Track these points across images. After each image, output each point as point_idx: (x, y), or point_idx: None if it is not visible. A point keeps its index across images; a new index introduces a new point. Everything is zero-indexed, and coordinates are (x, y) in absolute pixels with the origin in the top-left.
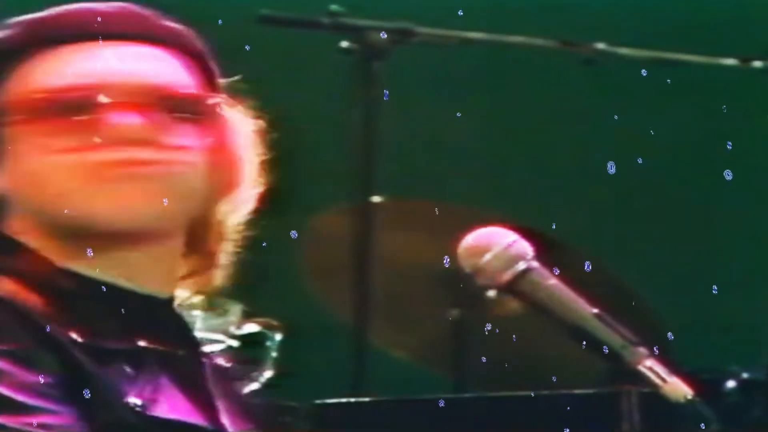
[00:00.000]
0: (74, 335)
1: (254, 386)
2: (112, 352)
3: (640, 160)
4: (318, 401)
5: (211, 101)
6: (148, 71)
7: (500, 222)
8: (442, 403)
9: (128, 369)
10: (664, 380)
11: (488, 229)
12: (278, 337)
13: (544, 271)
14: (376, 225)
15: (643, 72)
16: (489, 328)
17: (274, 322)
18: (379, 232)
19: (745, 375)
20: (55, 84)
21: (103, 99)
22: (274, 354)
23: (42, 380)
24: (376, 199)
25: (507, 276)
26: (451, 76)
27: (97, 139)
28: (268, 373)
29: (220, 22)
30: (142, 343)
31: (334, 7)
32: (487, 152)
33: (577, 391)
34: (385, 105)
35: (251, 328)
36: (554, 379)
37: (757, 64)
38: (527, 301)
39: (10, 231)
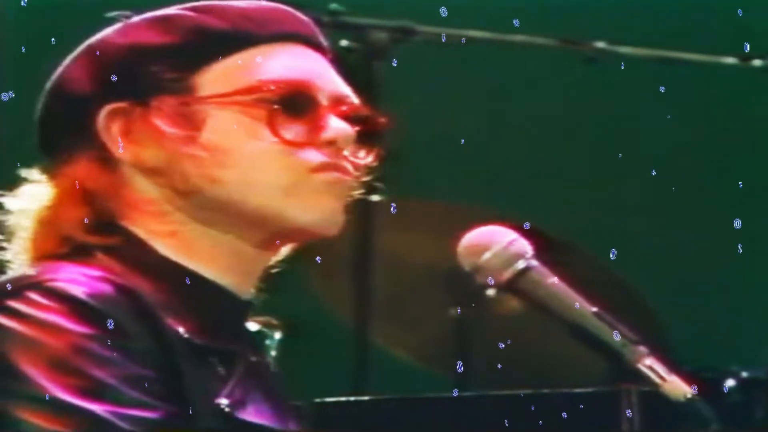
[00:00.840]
0: (181, 330)
1: None
2: (209, 350)
3: (647, 165)
4: (318, 400)
5: (374, 117)
6: (338, 79)
7: (500, 221)
8: (455, 393)
9: (221, 369)
10: (663, 379)
11: (488, 228)
12: (278, 336)
13: (544, 270)
14: (376, 225)
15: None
16: (489, 327)
17: (274, 321)
18: (379, 232)
19: (745, 374)
20: (273, 77)
21: (323, 101)
22: (274, 353)
23: (147, 374)
24: (376, 199)
25: (507, 275)
26: (452, 75)
27: (316, 138)
28: None
29: None
30: (232, 344)
31: (334, 6)
32: (488, 152)
33: (577, 390)
34: (385, 105)
35: (251, 327)
36: (554, 377)
37: (757, 62)
38: (527, 299)
39: (129, 199)
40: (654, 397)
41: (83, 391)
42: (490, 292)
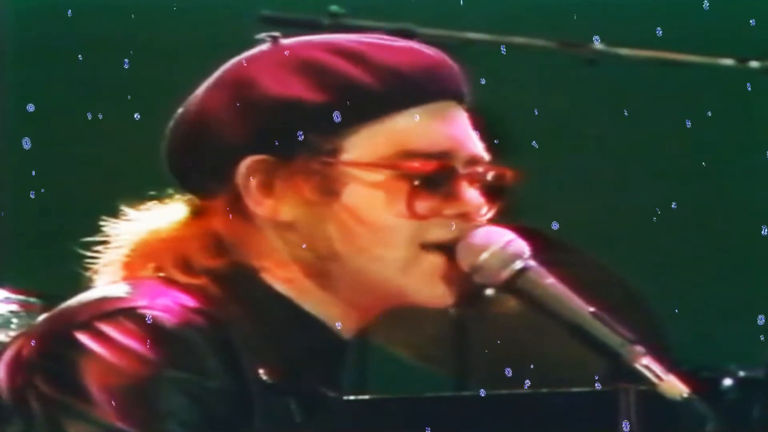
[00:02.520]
0: (262, 371)
1: None
2: (288, 392)
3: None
4: None
5: (502, 172)
6: (474, 136)
7: (498, 221)
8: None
9: (297, 413)
10: (660, 378)
11: (486, 228)
12: None
13: (542, 270)
14: None
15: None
16: (488, 327)
17: None
18: None
19: (742, 374)
20: (418, 148)
21: (460, 169)
22: None
23: (216, 415)
24: None
25: (504, 275)
26: None
27: (449, 211)
28: None
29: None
30: (318, 385)
31: (334, 7)
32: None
33: (575, 389)
34: None
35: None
36: (552, 377)
37: (754, 64)
38: (525, 299)
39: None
40: (651, 397)
41: (145, 423)
42: (489, 291)
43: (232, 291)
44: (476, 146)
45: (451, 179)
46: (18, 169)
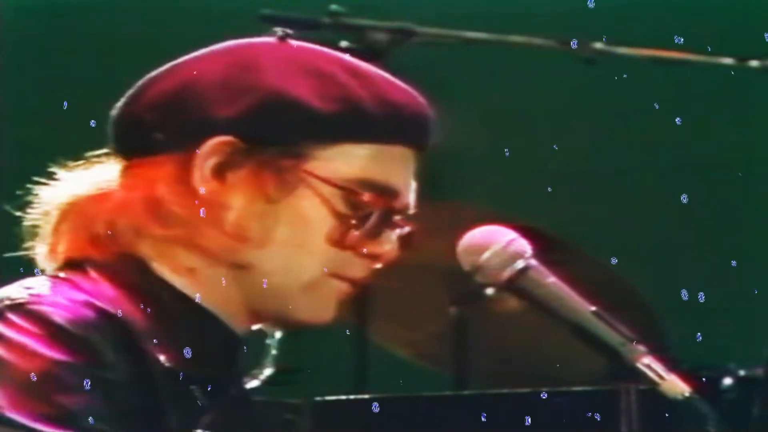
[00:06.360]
0: (163, 358)
1: (255, 384)
2: (191, 380)
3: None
4: (319, 398)
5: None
6: (413, 184)
7: (500, 220)
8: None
9: (201, 399)
10: (662, 377)
11: (487, 228)
12: (278, 334)
13: (543, 269)
14: None
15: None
16: (489, 326)
17: None
18: None
19: (742, 373)
20: (374, 178)
21: (395, 215)
22: (274, 351)
23: (117, 404)
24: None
25: (506, 274)
26: (452, 75)
27: (366, 248)
28: (268, 371)
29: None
30: (219, 375)
31: (334, 7)
32: (488, 152)
33: (576, 388)
34: None
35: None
36: (553, 376)
37: (754, 64)
38: (526, 298)
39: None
40: (653, 396)
41: (47, 417)
42: (490, 291)
43: (122, 282)
44: (412, 197)
45: (384, 220)
46: (18, 168)
